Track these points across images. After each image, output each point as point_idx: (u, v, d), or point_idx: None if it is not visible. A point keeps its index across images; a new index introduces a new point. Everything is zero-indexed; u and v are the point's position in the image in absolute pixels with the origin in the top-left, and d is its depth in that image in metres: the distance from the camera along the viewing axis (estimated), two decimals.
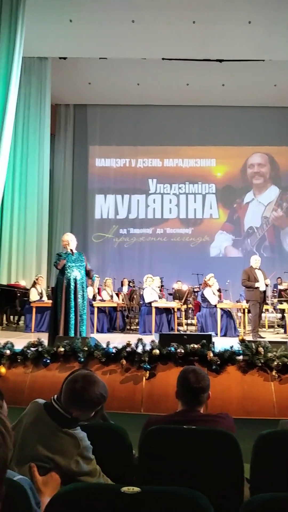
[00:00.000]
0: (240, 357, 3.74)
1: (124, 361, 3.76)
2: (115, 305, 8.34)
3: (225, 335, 7.55)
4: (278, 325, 9.22)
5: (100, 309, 8.13)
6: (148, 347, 3.82)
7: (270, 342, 3.97)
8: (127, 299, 8.59)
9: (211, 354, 3.68)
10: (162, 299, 8.47)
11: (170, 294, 9.95)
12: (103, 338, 4.37)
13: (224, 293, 9.27)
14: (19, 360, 3.89)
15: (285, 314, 8.13)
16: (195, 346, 3.75)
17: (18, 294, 8.33)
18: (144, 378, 3.68)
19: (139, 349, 3.83)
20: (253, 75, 10.69)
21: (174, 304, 8.04)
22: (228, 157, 12.79)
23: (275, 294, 9.66)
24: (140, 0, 8.39)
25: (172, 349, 3.75)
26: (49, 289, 8.68)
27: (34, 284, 8.31)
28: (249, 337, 6.38)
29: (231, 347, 3.79)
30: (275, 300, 9.15)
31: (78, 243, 13.38)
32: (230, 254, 12.54)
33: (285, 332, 8.04)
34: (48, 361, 3.82)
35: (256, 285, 7.02)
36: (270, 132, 12.45)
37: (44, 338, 4.79)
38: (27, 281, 9.35)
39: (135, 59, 10.04)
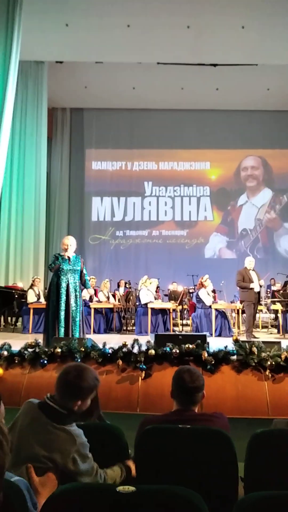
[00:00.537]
0: (234, 357, 3.76)
1: (120, 362, 3.77)
2: (111, 306, 8.39)
3: (219, 335, 7.61)
4: (272, 326, 9.30)
5: (97, 310, 8.17)
6: (144, 348, 3.84)
7: (263, 342, 3.99)
8: (124, 300, 8.64)
9: (206, 354, 3.69)
10: (158, 300, 8.52)
11: (165, 295, 10.01)
12: (99, 339, 4.37)
13: (218, 294, 9.35)
14: (16, 361, 3.88)
15: (278, 315, 8.21)
16: (190, 346, 3.77)
17: (16, 296, 8.34)
18: (140, 378, 3.69)
19: (135, 350, 3.85)
20: (247, 79, 10.78)
21: (170, 305, 8.10)
22: (222, 160, 12.89)
23: (269, 295, 9.75)
24: (136, 5, 8.46)
25: (168, 349, 3.77)
26: (46, 291, 8.70)
27: (31, 286, 8.35)
28: (243, 337, 6.44)
29: (225, 347, 3.80)
30: (269, 301, 9.23)
31: (76, 245, 13.32)
32: (224, 256, 12.63)
33: (278, 332, 8.11)
34: (45, 362, 3.82)
35: (251, 286, 7.10)
36: (263, 136, 12.55)
37: (41, 339, 4.85)
38: (24, 282, 9.37)
39: (131, 63, 10.10)
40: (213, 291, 8.73)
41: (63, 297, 5.04)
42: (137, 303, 8.07)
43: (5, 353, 3.93)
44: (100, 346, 3.97)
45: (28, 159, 9.89)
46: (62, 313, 5.03)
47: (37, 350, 4.02)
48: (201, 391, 2.05)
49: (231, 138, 12.56)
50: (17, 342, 4.39)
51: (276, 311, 8.56)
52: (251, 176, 12.95)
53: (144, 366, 3.71)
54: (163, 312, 7.97)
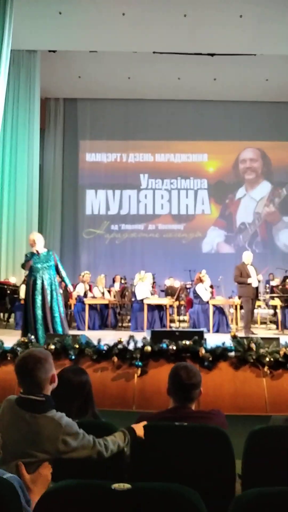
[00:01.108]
0: (232, 354, 3.77)
1: (115, 358, 3.77)
2: (106, 302, 8.30)
3: (217, 331, 7.56)
4: (271, 321, 9.26)
5: (92, 306, 8.08)
6: (139, 344, 3.83)
7: (262, 338, 3.99)
8: (119, 296, 8.56)
9: (203, 351, 3.70)
10: (154, 295, 8.45)
11: (162, 291, 9.95)
12: (94, 335, 4.36)
13: (216, 290, 9.29)
14: (9, 358, 3.88)
15: (277, 310, 8.16)
16: (187, 342, 3.76)
17: (8, 292, 8.26)
18: (135, 375, 3.69)
19: (131, 346, 3.84)
20: (245, 69, 10.67)
21: (166, 301, 8.03)
22: (220, 152, 12.77)
23: (267, 290, 9.69)
24: None
25: (164, 345, 3.75)
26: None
27: (24, 281, 8.22)
28: (241, 333, 6.39)
29: (223, 343, 3.81)
30: (267, 296, 9.18)
31: (69, 239, 13.30)
32: (222, 250, 12.55)
33: (277, 328, 8.07)
34: None
35: (249, 281, 7.03)
36: (262, 127, 12.45)
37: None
38: (17, 278, 9.27)
39: (126, 53, 9.95)
40: (211, 287, 8.67)
41: (39, 295, 5.01)
42: (133, 299, 7.99)
43: None
44: (95, 342, 3.96)
45: (20, 150, 9.76)
46: (39, 311, 4.99)
47: (30, 346, 4.00)
48: (198, 388, 2.04)
49: (229, 130, 12.46)
50: (9, 339, 4.41)
51: (275, 307, 8.52)
52: (250, 169, 12.84)
53: (140, 363, 3.71)
54: (160, 308, 7.90)
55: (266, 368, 3.64)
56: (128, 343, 3.87)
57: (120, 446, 1.72)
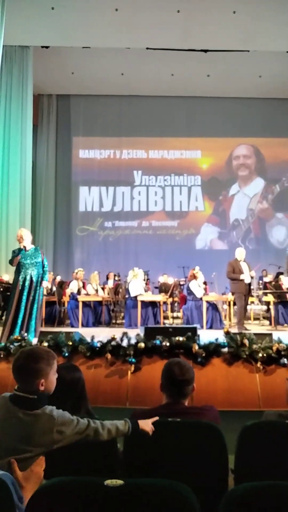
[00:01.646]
0: (225, 349, 3.78)
1: (109, 355, 3.77)
2: (100, 299, 8.29)
3: (211, 327, 7.57)
4: (264, 317, 9.29)
5: (85, 303, 8.06)
6: (133, 341, 3.83)
7: (255, 334, 4.01)
8: (113, 293, 8.55)
9: (196, 347, 3.70)
10: (148, 292, 8.45)
11: (156, 287, 9.96)
12: (88, 332, 4.36)
13: (209, 286, 9.31)
14: (2, 356, 3.91)
15: (270, 306, 8.19)
16: (180, 339, 3.76)
17: (1, 289, 8.20)
18: (129, 372, 3.69)
19: (124, 343, 3.84)
20: (238, 65, 10.66)
21: (160, 297, 8.03)
22: (213, 149, 12.77)
23: (261, 286, 9.73)
24: None
25: (157, 342, 3.76)
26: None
27: None
28: (234, 329, 6.41)
29: (216, 339, 3.81)
30: (260, 292, 9.22)
31: (62, 236, 13.23)
32: (216, 247, 12.57)
33: (270, 324, 8.11)
34: None
35: (241, 277, 7.05)
36: (255, 124, 12.47)
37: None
38: (9, 275, 9.20)
39: (119, 49, 9.90)
40: (204, 283, 8.68)
41: (25, 294, 5.11)
42: (127, 296, 7.98)
43: None
44: (88, 339, 3.94)
45: (13, 147, 9.66)
46: (22, 311, 5.09)
47: (23, 344, 4.00)
48: (191, 384, 2.04)
49: (223, 126, 12.47)
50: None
51: (268, 303, 8.55)
52: (243, 165, 12.86)
53: (133, 360, 3.71)
54: (153, 304, 7.89)
55: (259, 364, 3.66)
56: (121, 339, 3.88)
57: (119, 429, 1.71)
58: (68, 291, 8.39)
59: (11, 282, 8.41)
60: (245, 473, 1.73)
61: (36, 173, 11.91)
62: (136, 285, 7.89)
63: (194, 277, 7.99)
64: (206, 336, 4.11)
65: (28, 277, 5.16)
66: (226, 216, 12.76)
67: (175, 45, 9.73)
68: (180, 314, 8.73)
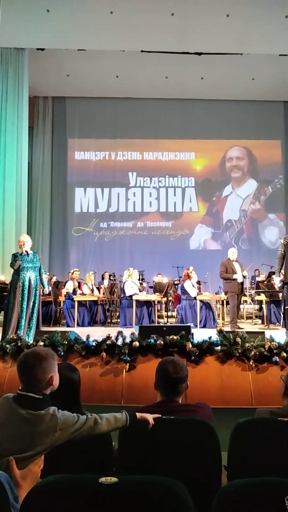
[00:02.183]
0: (218, 348, 3.79)
1: (104, 354, 3.76)
2: (95, 298, 8.34)
3: (204, 326, 7.66)
4: (256, 316, 9.39)
5: (81, 303, 8.12)
6: (128, 340, 3.83)
7: (247, 332, 4.02)
8: (108, 292, 8.60)
9: (190, 345, 3.71)
10: (143, 292, 8.51)
11: (150, 287, 10.01)
12: (83, 332, 4.36)
13: (203, 285, 9.39)
14: None
15: (262, 305, 8.28)
16: (175, 337, 3.78)
17: None
18: (124, 370, 3.69)
19: (119, 342, 3.84)
20: (232, 68, 10.75)
21: (155, 297, 8.10)
22: (207, 151, 12.86)
23: (253, 285, 9.82)
24: None
25: (152, 341, 3.77)
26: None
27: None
28: (227, 328, 6.48)
29: (210, 337, 3.82)
30: (253, 292, 9.31)
31: (58, 236, 13.26)
32: (209, 247, 12.67)
33: (262, 322, 8.20)
34: None
35: (234, 276, 7.14)
36: (248, 126, 12.57)
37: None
38: (6, 275, 9.22)
39: (114, 51, 9.94)
40: (198, 283, 8.76)
41: (25, 296, 5.37)
42: (122, 295, 8.04)
43: None
44: (84, 339, 3.94)
45: (9, 149, 9.68)
46: (24, 312, 5.33)
47: (19, 344, 3.98)
48: (184, 382, 2.05)
49: (216, 128, 12.56)
50: None
51: (260, 302, 8.65)
52: (236, 167, 12.97)
53: (128, 358, 3.70)
54: (148, 304, 7.96)
55: (251, 362, 3.67)
56: (116, 338, 3.88)
57: (118, 419, 1.73)
58: (64, 291, 8.44)
59: (7, 282, 8.47)
60: (238, 470, 1.74)
61: (32, 175, 11.94)
62: (131, 285, 7.95)
63: (188, 277, 8.06)
64: (200, 334, 4.11)
65: (27, 280, 5.41)
66: (219, 217, 12.86)
67: (170, 48, 9.81)
68: (174, 313, 8.80)
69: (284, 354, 3.67)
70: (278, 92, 12.06)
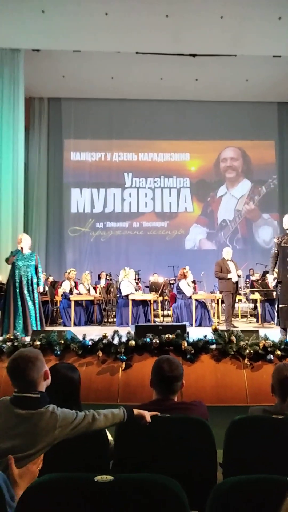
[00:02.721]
0: (214, 346, 3.82)
1: (100, 353, 3.78)
2: (92, 298, 8.37)
3: (199, 325, 7.70)
4: (251, 315, 9.45)
5: (77, 303, 8.13)
6: (124, 339, 3.86)
7: (242, 331, 4.06)
8: (104, 292, 8.63)
9: (186, 344, 3.74)
10: (139, 291, 8.54)
11: (146, 287, 10.04)
12: (80, 331, 4.37)
13: (198, 285, 9.44)
14: None
15: (257, 304, 8.34)
16: (170, 336, 3.81)
17: None
18: (120, 369, 3.71)
19: (115, 341, 3.86)
20: (226, 70, 10.79)
21: (151, 296, 8.13)
22: (201, 151, 12.92)
23: (248, 284, 9.88)
24: None
25: (148, 339, 3.79)
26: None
27: None
28: (222, 327, 6.53)
29: (205, 336, 3.86)
30: (248, 291, 9.37)
31: (55, 237, 13.23)
32: (204, 247, 12.73)
33: (257, 321, 8.26)
34: None
35: (229, 276, 7.19)
36: (242, 127, 12.63)
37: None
38: (3, 275, 9.23)
39: (109, 53, 9.93)
40: (193, 282, 8.81)
41: (18, 293, 5.44)
42: (118, 295, 8.07)
43: None
44: (80, 338, 3.96)
45: (5, 149, 9.67)
46: (19, 309, 5.40)
47: (16, 343, 3.99)
48: (180, 380, 2.07)
49: (211, 129, 12.61)
50: None
51: (255, 301, 8.70)
52: (230, 167, 13.04)
53: (124, 357, 3.72)
54: (144, 303, 8.00)
55: (246, 360, 3.70)
56: (112, 338, 3.90)
57: (115, 414, 1.75)
58: (60, 291, 8.46)
59: (4, 282, 8.48)
60: (233, 467, 1.74)
61: (28, 175, 11.92)
62: (127, 284, 7.99)
63: (184, 276, 8.10)
64: (195, 333, 4.12)
65: (18, 277, 5.49)
66: (214, 217, 12.92)
67: (164, 49, 9.82)
68: (170, 313, 8.84)
69: (279, 352, 3.72)
70: (272, 93, 12.14)
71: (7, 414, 1.65)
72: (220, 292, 7.61)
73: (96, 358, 3.80)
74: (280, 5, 8.73)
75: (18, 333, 4.53)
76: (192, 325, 7.53)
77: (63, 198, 12.62)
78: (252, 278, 10.10)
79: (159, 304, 9.04)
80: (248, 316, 9.44)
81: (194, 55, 10.05)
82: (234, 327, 6.80)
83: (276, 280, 5.11)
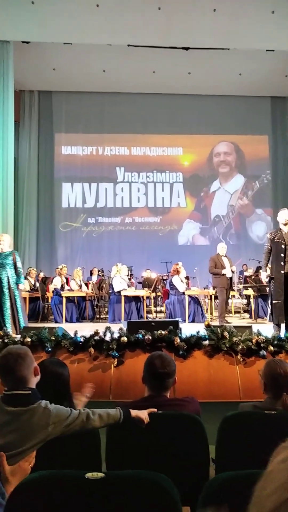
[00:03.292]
0: (206, 342, 3.81)
1: (92, 350, 3.77)
2: (83, 294, 8.32)
3: (193, 321, 7.69)
4: (244, 311, 9.47)
5: (69, 299, 8.08)
6: (116, 335, 3.84)
7: (235, 326, 4.07)
8: (96, 288, 8.58)
9: (178, 340, 3.74)
10: (131, 287, 8.51)
11: (139, 283, 10.02)
12: (71, 328, 4.36)
13: (191, 280, 9.43)
14: None
15: (250, 300, 8.35)
16: (163, 332, 3.80)
17: None
18: (112, 366, 3.71)
19: (107, 337, 3.85)
20: (219, 64, 10.72)
21: (143, 292, 8.11)
22: (194, 146, 12.86)
23: (241, 280, 9.90)
24: None
25: (140, 336, 3.78)
26: None
27: None
28: (216, 323, 6.53)
29: (198, 332, 3.85)
30: (241, 286, 9.38)
31: (46, 232, 13.17)
32: (198, 242, 12.71)
33: (250, 317, 8.27)
34: None
35: (223, 272, 7.18)
36: (235, 121, 12.59)
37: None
38: None
39: (101, 45, 9.80)
40: (187, 278, 8.79)
41: (6, 291, 5.58)
42: (110, 291, 8.03)
43: None
44: (72, 335, 3.93)
45: None
46: (6, 308, 5.53)
47: (6, 340, 3.97)
48: (172, 376, 2.06)
49: (204, 124, 12.56)
50: None
51: (248, 296, 8.72)
52: (224, 162, 13.01)
53: (116, 354, 3.72)
54: (137, 299, 7.97)
55: (239, 356, 3.71)
56: (104, 334, 3.89)
57: (111, 415, 1.73)
58: (51, 287, 8.40)
59: None
60: (225, 463, 1.75)
61: (18, 170, 11.77)
62: (120, 280, 7.95)
63: (177, 272, 8.08)
64: (188, 329, 4.14)
65: (4, 277, 5.61)
66: (207, 212, 12.89)
67: (157, 42, 9.70)
68: (163, 309, 8.83)
69: (271, 348, 3.72)
70: (265, 87, 12.10)
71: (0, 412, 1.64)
72: (214, 288, 7.60)
73: (87, 355, 3.79)
74: None
75: (10, 330, 4.49)
76: (185, 321, 7.52)
77: (54, 193, 12.50)
78: (245, 273, 10.11)
79: (152, 300, 9.02)
80: (242, 311, 9.46)
81: (186, 49, 9.96)
82: (228, 323, 6.79)
83: (269, 277, 5.09)
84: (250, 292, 8.14)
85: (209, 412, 2.35)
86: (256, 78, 11.47)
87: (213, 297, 8.17)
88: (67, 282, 8.60)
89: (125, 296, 7.76)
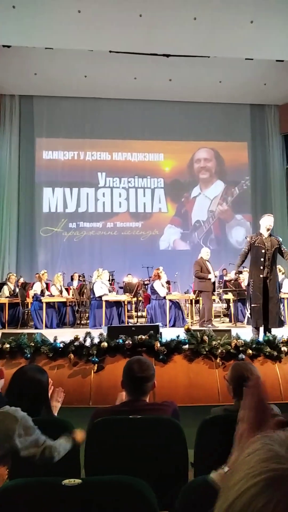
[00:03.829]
0: (186, 346, 3.84)
1: (72, 355, 3.75)
2: (64, 300, 8.25)
3: (173, 325, 7.73)
4: (224, 315, 9.55)
5: (49, 305, 8.00)
6: (96, 340, 3.83)
7: (214, 330, 4.11)
8: (77, 293, 8.53)
9: (158, 344, 3.75)
10: (113, 292, 8.49)
11: (120, 288, 10.01)
12: (52, 334, 4.32)
13: (172, 285, 9.47)
14: None
15: (230, 304, 8.44)
16: (143, 337, 3.80)
17: None
18: (92, 371, 3.69)
19: (87, 343, 3.83)
20: (199, 71, 10.86)
21: (124, 297, 8.10)
22: (175, 152, 12.97)
23: (221, 284, 9.99)
24: None
25: (121, 341, 3.78)
26: None
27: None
28: (196, 327, 6.57)
29: (177, 336, 3.87)
30: (221, 291, 9.47)
31: (26, 237, 13.04)
32: (179, 247, 12.78)
33: (230, 321, 8.35)
34: None
35: (209, 276, 7.26)
36: (215, 128, 12.76)
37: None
38: None
39: (82, 51, 9.83)
40: (168, 282, 8.82)
41: None
42: (91, 296, 7.99)
43: None
44: (51, 340, 3.90)
45: None
46: None
47: None
48: (151, 381, 2.05)
49: (184, 130, 12.67)
50: None
51: (228, 301, 8.80)
52: (204, 168, 13.15)
53: (96, 359, 3.71)
54: (118, 304, 7.96)
55: (218, 360, 3.75)
56: (84, 340, 3.87)
57: (67, 449, 1.71)
58: (31, 293, 8.30)
59: None
60: (204, 466, 1.69)
61: None
62: (101, 286, 7.92)
63: (158, 276, 8.11)
64: (169, 334, 4.15)
65: None
66: (188, 218, 12.99)
67: (138, 49, 9.78)
68: (144, 313, 8.83)
69: (250, 351, 3.77)
70: (245, 95, 12.31)
71: None
72: (194, 292, 7.66)
73: (67, 361, 3.76)
74: (252, 9, 8.85)
75: None
76: (166, 325, 7.54)
77: (35, 197, 12.37)
78: (225, 278, 10.20)
79: (133, 305, 9.01)
80: (221, 316, 9.54)
81: (167, 56, 10.07)
82: (214, 326, 6.86)
83: (236, 274, 5.23)
84: (230, 296, 8.22)
85: (188, 416, 2.35)
86: (235, 85, 11.66)
87: (193, 301, 8.22)
88: (48, 288, 8.52)
89: (106, 301, 7.74)
